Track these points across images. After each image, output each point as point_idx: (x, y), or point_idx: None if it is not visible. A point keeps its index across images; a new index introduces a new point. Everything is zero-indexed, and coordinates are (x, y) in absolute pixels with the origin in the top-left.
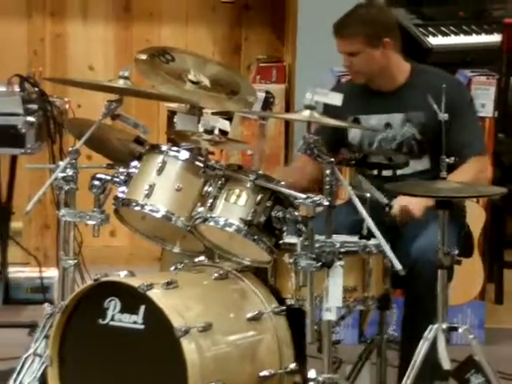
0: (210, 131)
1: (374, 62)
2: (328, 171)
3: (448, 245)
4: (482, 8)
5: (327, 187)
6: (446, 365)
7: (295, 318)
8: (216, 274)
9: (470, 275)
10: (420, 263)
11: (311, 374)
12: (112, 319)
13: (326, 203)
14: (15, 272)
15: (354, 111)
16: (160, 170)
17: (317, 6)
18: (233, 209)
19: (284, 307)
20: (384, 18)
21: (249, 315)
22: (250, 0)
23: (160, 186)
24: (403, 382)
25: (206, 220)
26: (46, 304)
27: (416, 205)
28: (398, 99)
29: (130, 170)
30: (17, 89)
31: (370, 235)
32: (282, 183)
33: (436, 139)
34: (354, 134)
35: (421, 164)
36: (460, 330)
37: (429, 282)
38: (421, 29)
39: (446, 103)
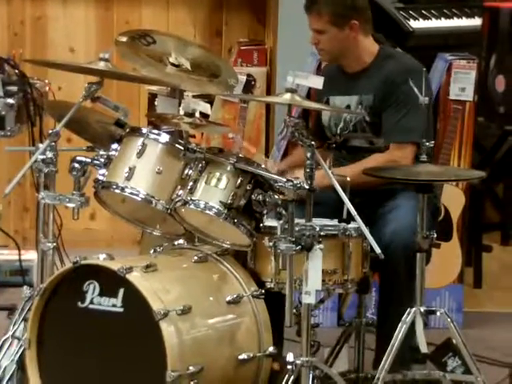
0: (190, 114)
1: (338, 42)
2: (308, 154)
3: (424, 227)
4: None
5: (307, 171)
6: (424, 348)
7: (274, 301)
8: (196, 257)
9: (448, 259)
10: (392, 247)
11: (289, 357)
12: (91, 302)
13: (306, 187)
14: None
15: (327, 92)
16: (140, 153)
17: None
18: (213, 192)
19: (263, 290)
20: (361, 1)
21: (228, 298)
22: None
23: (140, 168)
24: (381, 364)
25: (186, 203)
26: (25, 287)
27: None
28: (357, 81)
29: (110, 153)
30: None
31: (350, 219)
32: (263, 166)
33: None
34: (325, 116)
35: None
36: (438, 314)
37: (401, 264)
38: (402, 12)
39: (390, 88)
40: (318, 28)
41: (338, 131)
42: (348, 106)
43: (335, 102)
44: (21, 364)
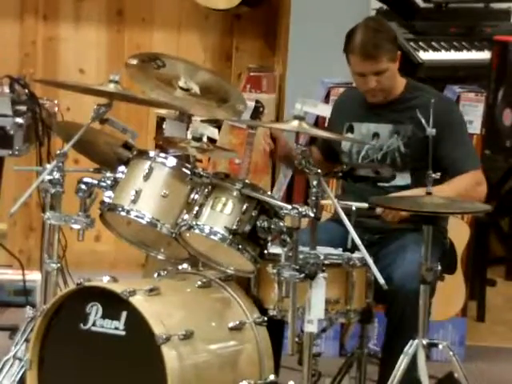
0: (198, 138)
1: (395, 76)
2: (314, 182)
3: (431, 261)
4: (474, 24)
5: (313, 199)
6: (426, 381)
7: (275, 328)
8: (199, 282)
9: (452, 291)
10: (402, 280)
11: None
12: (93, 324)
13: (312, 215)
14: (0, 273)
15: (350, 118)
16: (147, 176)
17: (309, 17)
18: (218, 217)
19: (266, 318)
20: (394, 31)
21: (230, 324)
22: (242, 10)
23: (146, 192)
24: None
25: (191, 227)
26: (28, 307)
27: None
28: (389, 111)
29: (117, 175)
30: (6, 90)
31: (354, 248)
32: (269, 193)
33: (420, 155)
34: (345, 142)
35: (402, 179)
36: (440, 347)
37: (410, 299)
38: (412, 43)
39: (435, 120)
40: (381, 69)
41: (360, 159)
42: (376, 134)
43: (361, 129)
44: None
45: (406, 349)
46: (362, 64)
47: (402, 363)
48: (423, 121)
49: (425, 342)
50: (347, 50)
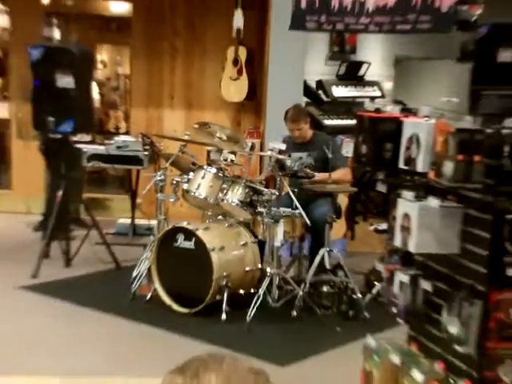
0: (226, 160)
1: (307, 131)
2: (278, 179)
3: (331, 213)
4: (349, 108)
5: (277, 185)
6: (328, 266)
7: (261, 245)
8: (227, 224)
9: (340, 226)
10: (318, 221)
11: (268, 269)
12: (180, 244)
13: (277, 193)
14: (138, 221)
15: (290, 150)
16: (203, 177)
17: (275, 106)
18: (235, 195)
19: (257, 240)
20: (307, 110)
21: (241, 243)
22: (245, 102)
23: (202, 184)
24: (309, 273)
25: (223, 200)
26: (151, 236)
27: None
28: (305, 146)
29: (190, 177)
30: (140, 139)
31: (296, 208)
32: (258, 183)
33: (321, 164)
34: (288, 161)
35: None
36: (335, 251)
37: (321, 230)
38: (320, 116)
39: (331, 148)
40: (299, 127)
41: (296, 167)
42: (300, 157)
43: (294, 155)
44: (149, 270)
45: (319, 252)
46: (291, 125)
47: (317, 259)
48: (326, 150)
49: (328, 249)
50: (285, 118)
